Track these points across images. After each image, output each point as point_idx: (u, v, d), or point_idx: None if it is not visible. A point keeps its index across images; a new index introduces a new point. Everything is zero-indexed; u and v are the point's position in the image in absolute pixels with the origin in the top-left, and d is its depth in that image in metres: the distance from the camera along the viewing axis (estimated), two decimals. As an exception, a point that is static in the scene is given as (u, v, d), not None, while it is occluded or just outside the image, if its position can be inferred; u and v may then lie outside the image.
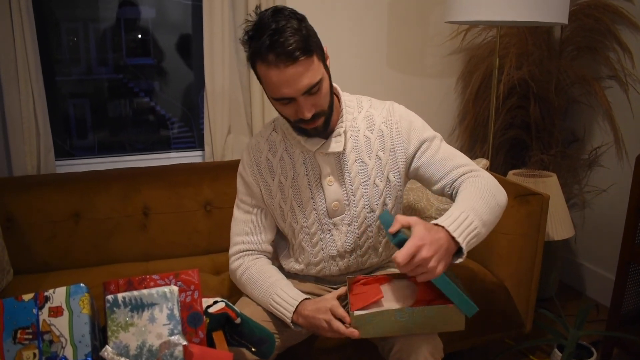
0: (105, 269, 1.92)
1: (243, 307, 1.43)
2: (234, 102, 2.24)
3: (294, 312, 1.29)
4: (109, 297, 0.85)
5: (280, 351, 1.41)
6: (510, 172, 2.38)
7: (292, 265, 1.49)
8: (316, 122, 1.25)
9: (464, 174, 1.32)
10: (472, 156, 2.67)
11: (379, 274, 1.35)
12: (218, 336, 0.98)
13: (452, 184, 1.33)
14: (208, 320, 1.00)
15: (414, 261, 1.04)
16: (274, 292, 1.34)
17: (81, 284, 0.89)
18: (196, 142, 2.46)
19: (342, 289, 1.32)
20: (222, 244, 2.05)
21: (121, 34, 2.30)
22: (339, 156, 1.37)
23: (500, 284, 1.90)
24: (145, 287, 0.95)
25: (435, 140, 1.38)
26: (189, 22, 2.34)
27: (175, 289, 0.86)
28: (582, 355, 1.85)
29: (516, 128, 2.60)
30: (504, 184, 1.96)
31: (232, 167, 2.11)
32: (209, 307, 1.03)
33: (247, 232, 1.45)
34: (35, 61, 1.96)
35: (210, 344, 0.98)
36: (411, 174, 1.42)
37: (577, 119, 2.58)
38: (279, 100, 1.22)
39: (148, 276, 0.96)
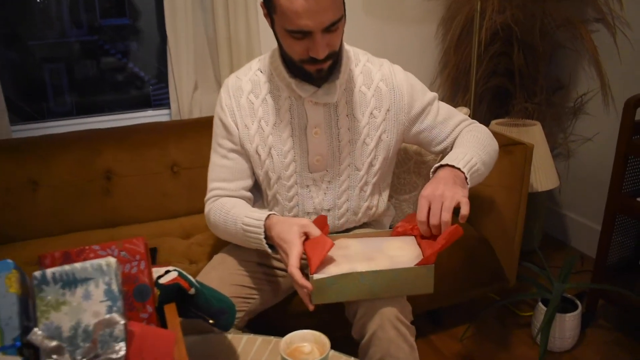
0: (68, 238, 1.82)
1: (211, 270, 1.33)
2: (199, 56, 2.09)
3: (264, 231, 1.17)
4: (36, 273, 0.74)
5: (252, 315, 1.33)
6: (493, 122, 2.28)
7: None
8: (325, 63, 1.15)
9: (465, 127, 1.36)
10: (454, 105, 2.55)
11: (351, 233, 1.25)
12: (170, 309, 0.89)
13: (453, 142, 1.35)
14: (159, 293, 0.91)
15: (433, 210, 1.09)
16: (242, 220, 1.21)
17: (8, 260, 0.78)
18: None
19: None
20: (191, 207, 1.95)
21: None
22: (330, 108, 1.27)
23: (482, 238, 1.84)
24: (85, 259, 0.84)
25: (435, 102, 1.37)
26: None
27: (113, 260, 0.76)
28: (567, 309, 1.81)
29: (499, 76, 2.49)
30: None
31: (199, 125, 1.99)
32: (160, 277, 0.93)
33: (223, 179, 1.33)
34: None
35: (162, 318, 0.89)
36: (410, 138, 1.38)
37: (562, 65, 2.47)
38: (293, 33, 1.10)
39: (87, 247, 0.86)
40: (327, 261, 1.10)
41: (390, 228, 1.61)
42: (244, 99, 1.28)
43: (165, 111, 2.23)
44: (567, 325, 1.77)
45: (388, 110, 1.30)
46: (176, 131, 1.97)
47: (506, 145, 1.76)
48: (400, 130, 1.33)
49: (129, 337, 0.74)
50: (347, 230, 1.44)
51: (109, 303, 0.76)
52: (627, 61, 2.17)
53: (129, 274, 0.86)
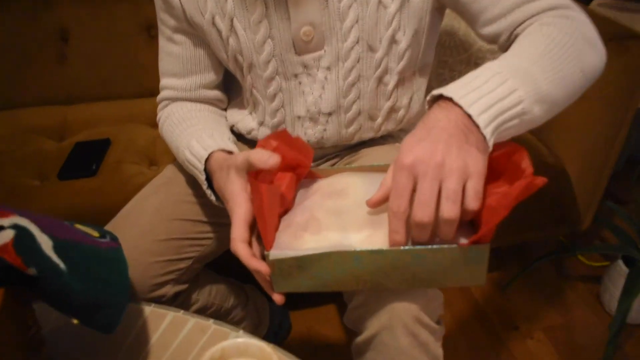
0: (11, 115, 1.43)
1: (150, 194, 0.89)
2: None
3: (204, 171, 0.77)
4: None
5: (208, 261, 0.92)
6: (594, 1, 1.66)
7: (241, 119, 0.93)
8: None
9: (541, 12, 0.69)
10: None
11: (353, 166, 0.75)
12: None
13: (515, 29, 0.71)
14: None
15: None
16: (184, 154, 0.81)
17: None
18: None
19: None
20: (170, 86, 1.50)
21: None
22: None
23: (559, 166, 1.34)
24: None
25: None
26: None
27: None
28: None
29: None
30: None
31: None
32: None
33: (172, 72, 0.89)
34: None
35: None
36: (449, 1, 0.77)
37: None
38: None
39: None
40: (302, 222, 0.63)
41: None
42: None
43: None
44: (655, 295, 1.31)
45: None
46: (156, -20, 1.46)
47: (615, 38, 1.19)
48: None
49: None
50: (361, 145, 0.95)
51: None
52: None
53: None
